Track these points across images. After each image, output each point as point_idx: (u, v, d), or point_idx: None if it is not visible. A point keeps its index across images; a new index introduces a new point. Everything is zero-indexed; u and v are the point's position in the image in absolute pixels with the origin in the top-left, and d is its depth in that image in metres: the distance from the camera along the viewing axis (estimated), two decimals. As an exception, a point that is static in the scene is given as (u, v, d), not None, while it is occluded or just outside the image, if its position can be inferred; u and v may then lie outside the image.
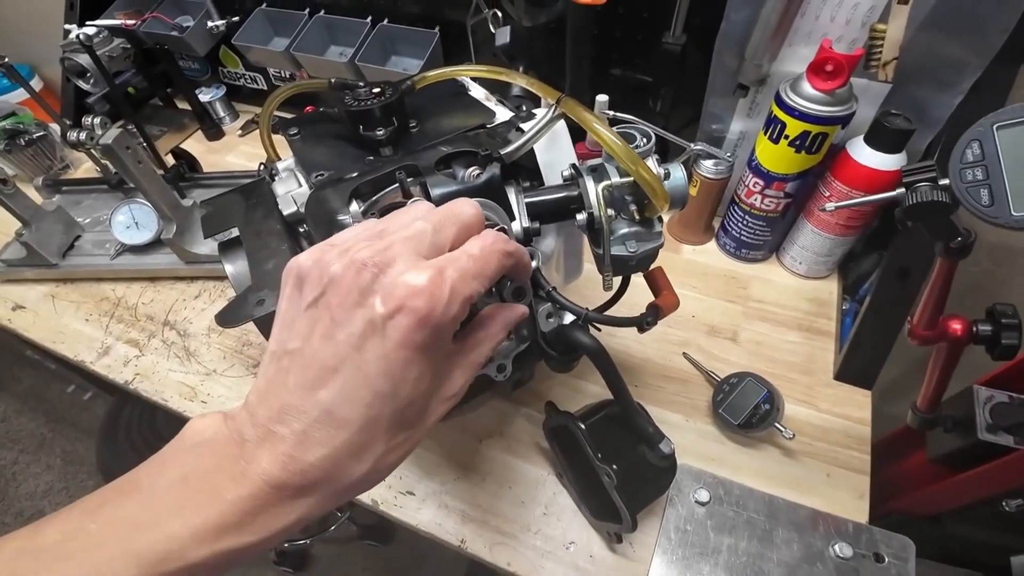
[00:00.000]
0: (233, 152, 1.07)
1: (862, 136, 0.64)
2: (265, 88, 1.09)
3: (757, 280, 0.79)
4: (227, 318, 0.43)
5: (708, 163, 0.75)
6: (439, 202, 0.39)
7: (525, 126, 0.48)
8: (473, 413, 0.68)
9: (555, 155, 0.49)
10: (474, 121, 0.52)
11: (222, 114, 1.09)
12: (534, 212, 0.44)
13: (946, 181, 0.32)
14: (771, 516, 0.59)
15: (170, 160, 0.92)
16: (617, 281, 0.52)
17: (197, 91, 1.05)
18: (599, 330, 0.52)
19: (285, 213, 0.49)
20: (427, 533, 0.60)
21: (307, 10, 0.90)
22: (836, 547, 0.56)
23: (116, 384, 0.73)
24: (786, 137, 0.64)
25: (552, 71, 0.73)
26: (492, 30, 0.68)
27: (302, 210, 0.48)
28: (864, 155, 0.64)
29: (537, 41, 0.70)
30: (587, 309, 0.44)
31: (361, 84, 0.53)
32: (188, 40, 0.94)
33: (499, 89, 0.62)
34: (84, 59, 0.91)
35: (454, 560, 0.57)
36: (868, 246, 0.75)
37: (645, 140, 0.42)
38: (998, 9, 0.52)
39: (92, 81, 0.94)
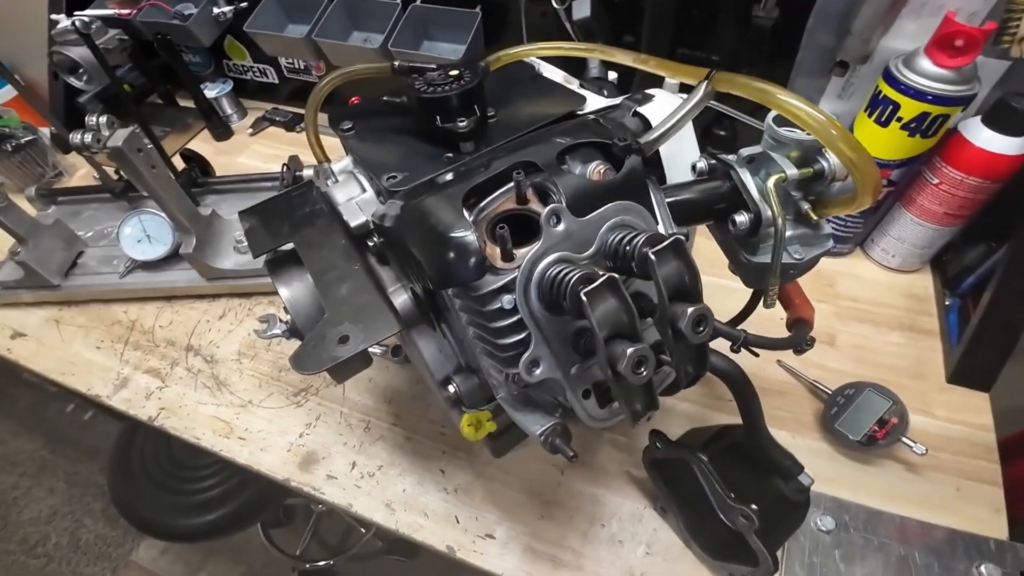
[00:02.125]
0: (245, 153, 0.97)
1: (978, 117, 0.58)
2: (275, 81, 1.00)
3: (845, 276, 0.73)
4: (306, 363, 0.35)
5: None
6: (575, 204, 0.31)
7: (648, 110, 0.40)
8: (550, 439, 0.61)
9: (680, 145, 0.41)
10: (562, 108, 0.44)
11: (229, 111, 0.99)
12: (677, 215, 0.36)
13: None
14: (904, 540, 0.52)
15: (179, 163, 0.83)
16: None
17: (202, 86, 0.94)
18: (757, 354, 0.45)
19: (353, 224, 0.41)
20: (516, 584, 0.52)
21: (327, -9, 0.81)
22: (981, 568, 0.50)
23: (140, 420, 0.64)
24: (899, 120, 0.57)
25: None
26: (556, 4, 0.60)
27: (376, 221, 0.40)
28: (983, 138, 0.57)
29: (623, 20, 0.62)
30: (745, 332, 0.37)
31: (433, 67, 0.45)
32: (192, 29, 0.84)
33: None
34: (76, 53, 0.81)
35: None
36: (967, 236, 0.68)
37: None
38: None
39: (85, 78, 0.84)
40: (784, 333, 0.52)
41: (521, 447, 0.60)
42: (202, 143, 0.98)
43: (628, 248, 0.30)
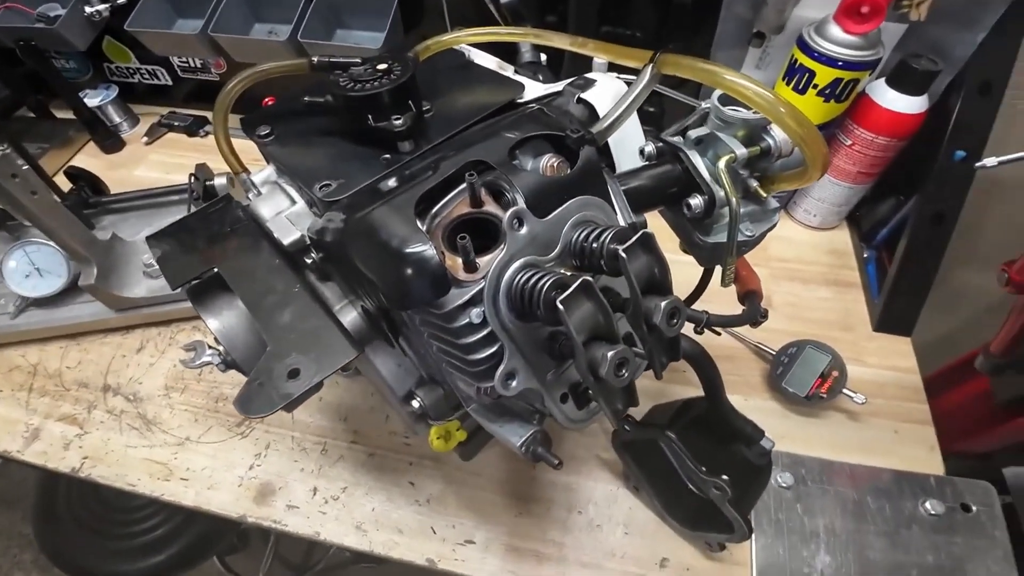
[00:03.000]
0: (142, 164, 0.87)
1: (883, 80, 0.61)
2: (169, 83, 0.90)
3: (773, 238, 0.74)
4: (254, 405, 0.31)
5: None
6: (534, 203, 0.30)
7: (591, 95, 0.39)
8: (516, 434, 0.60)
9: (624, 130, 0.40)
10: (501, 97, 0.42)
11: (118, 119, 0.89)
12: (631, 203, 0.35)
13: None
14: (856, 486, 0.56)
15: (65, 184, 0.73)
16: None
17: (81, 94, 0.83)
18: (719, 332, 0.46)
19: (286, 242, 0.37)
20: (502, 585, 0.52)
21: (219, -20, 0.73)
22: (926, 505, 0.54)
23: (61, 473, 0.57)
24: (815, 86, 0.60)
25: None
26: None
27: (313, 236, 0.36)
28: (888, 99, 0.61)
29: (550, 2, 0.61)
30: (707, 313, 0.37)
31: (357, 60, 0.41)
32: (61, 32, 0.73)
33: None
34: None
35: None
36: (877, 191, 0.73)
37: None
38: None
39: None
40: (732, 305, 0.54)
41: (489, 447, 0.59)
42: (90, 157, 0.87)
43: (595, 246, 0.29)
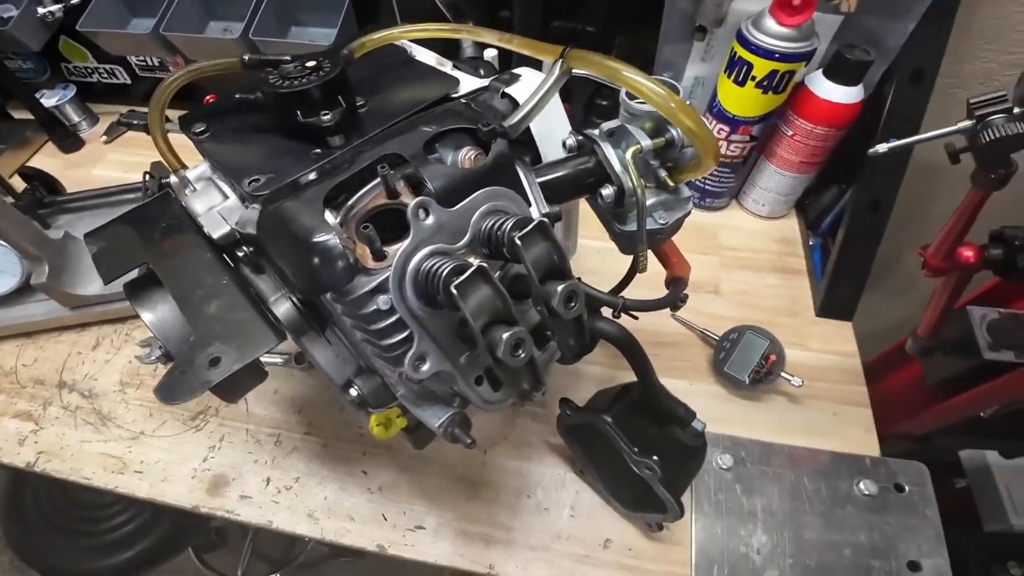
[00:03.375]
0: (100, 163, 0.87)
1: (820, 71, 0.63)
2: (127, 82, 0.90)
3: (724, 228, 0.78)
4: (173, 392, 0.33)
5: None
6: (444, 197, 0.31)
7: (515, 90, 0.40)
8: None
9: (548, 123, 0.42)
10: (435, 92, 0.43)
11: (76, 119, 0.89)
12: (550, 193, 0.37)
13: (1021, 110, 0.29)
14: (794, 467, 0.58)
15: (19, 184, 0.73)
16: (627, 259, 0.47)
17: (38, 95, 0.83)
18: (636, 317, 0.47)
19: (215, 236, 0.38)
20: (449, 567, 0.53)
21: (171, -22, 0.74)
22: (860, 485, 0.56)
23: (16, 468, 0.57)
24: (753, 78, 0.61)
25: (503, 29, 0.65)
26: None
27: (242, 230, 0.37)
28: (825, 89, 0.62)
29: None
30: (623, 299, 0.39)
31: (287, 58, 0.42)
32: (14, 33, 0.73)
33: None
34: None
35: (438, 567, 0.51)
36: (821, 180, 0.75)
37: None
38: None
39: None
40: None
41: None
42: (48, 157, 0.87)
43: (500, 234, 0.30)
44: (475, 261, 0.29)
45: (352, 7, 0.72)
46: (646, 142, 0.35)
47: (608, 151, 0.36)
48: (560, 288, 0.29)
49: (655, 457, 0.47)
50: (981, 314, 0.54)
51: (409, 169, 0.33)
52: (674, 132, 0.35)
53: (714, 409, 0.63)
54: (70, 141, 0.86)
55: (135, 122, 0.86)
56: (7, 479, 0.98)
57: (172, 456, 0.58)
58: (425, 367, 0.31)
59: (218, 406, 0.62)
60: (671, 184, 0.37)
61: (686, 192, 0.39)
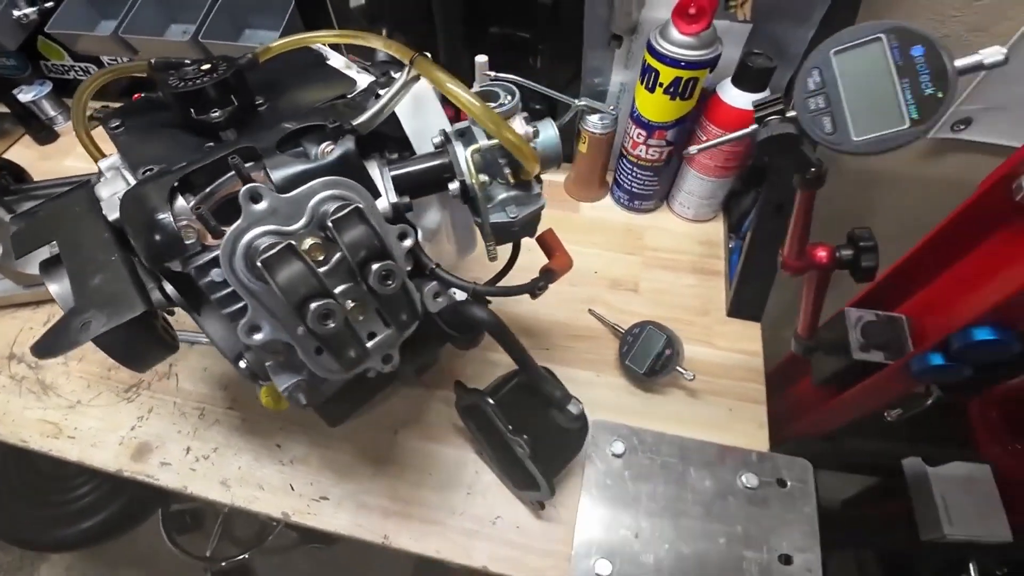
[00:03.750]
0: (72, 155, 0.93)
1: (730, 78, 0.66)
2: (103, 78, 0.95)
3: (652, 229, 0.81)
4: (45, 347, 0.37)
5: (593, 118, 0.74)
6: (283, 187, 0.35)
7: (385, 92, 0.44)
8: (384, 405, 0.65)
9: (423, 122, 0.45)
10: (332, 92, 0.47)
11: (52, 113, 0.95)
12: (403, 185, 0.41)
13: (794, 113, 0.32)
14: (683, 458, 0.61)
15: (-9, 172, 0.79)
16: (507, 249, 0.51)
17: (16, 91, 0.90)
18: (489, 302, 0.50)
19: (111, 218, 0.43)
20: (348, 536, 0.57)
21: (133, -18, 0.79)
22: (743, 477, 0.59)
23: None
24: (660, 85, 0.64)
25: (427, 33, 0.69)
26: (360, 1, 0.62)
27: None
28: (732, 96, 0.65)
29: (409, 3, 0.66)
30: (475, 283, 0.42)
31: (187, 61, 0.47)
32: (-9, 33, 0.79)
33: (370, 57, 0.57)
34: None
35: (404, 556, 0.54)
36: (746, 185, 0.78)
37: (510, 97, 0.40)
38: None
39: None
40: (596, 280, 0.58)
41: (357, 417, 0.64)
42: (25, 148, 0.94)
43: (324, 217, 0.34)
44: (309, 242, 0.34)
45: (297, 11, 0.76)
46: (483, 141, 0.38)
47: (457, 149, 0.40)
48: (375, 267, 0.33)
49: (525, 436, 0.51)
50: (858, 316, 0.56)
51: (265, 160, 0.37)
52: (505, 134, 0.39)
53: (615, 400, 0.66)
54: (44, 134, 0.93)
55: (102, 116, 0.91)
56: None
57: (103, 424, 0.63)
58: (259, 336, 0.35)
59: (151, 380, 0.67)
60: (511, 181, 0.40)
61: (537, 189, 0.43)
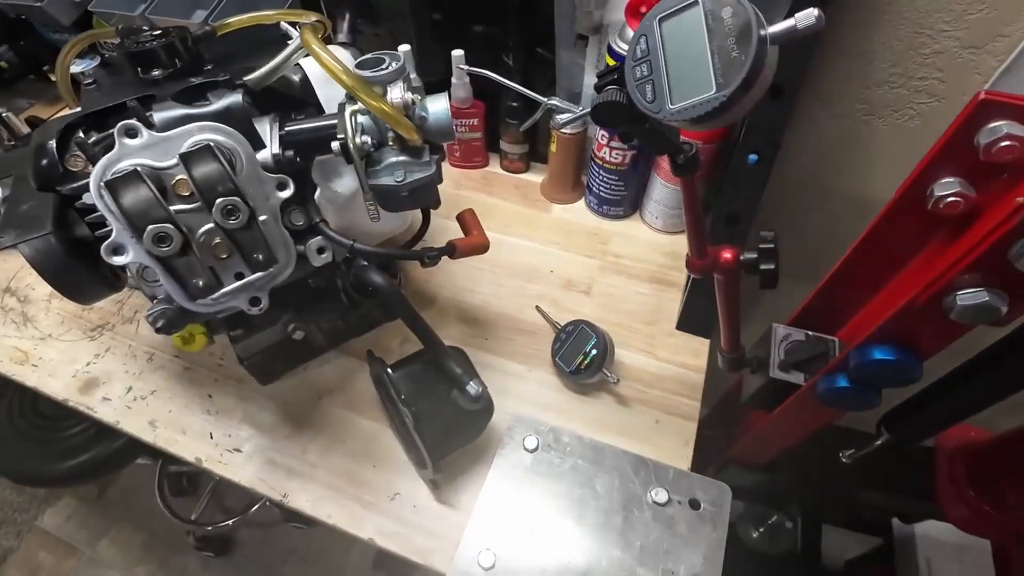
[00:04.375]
0: (108, 121, 1.03)
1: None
2: (144, 56, 1.06)
3: (619, 236, 0.80)
4: (-38, 254, 0.41)
5: (563, 118, 0.74)
6: (163, 127, 0.38)
7: (307, 62, 0.47)
8: (317, 371, 0.67)
9: (335, 90, 0.48)
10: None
11: (98, 83, 1.05)
12: (291, 142, 0.43)
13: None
14: (596, 462, 0.59)
15: (25, 130, 0.89)
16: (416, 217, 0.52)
17: (82, 75, 1.00)
18: (395, 277, 0.51)
19: None
20: (249, 488, 0.59)
21: (168, -31, 0.87)
22: (653, 492, 0.56)
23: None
24: (617, 85, 0.64)
25: (399, 23, 0.72)
26: None
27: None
28: (695, 102, 0.64)
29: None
30: (353, 242, 0.43)
31: (147, 29, 0.51)
32: (47, 10, 0.90)
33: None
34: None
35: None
36: (710, 197, 0.75)
37: (395, 63, 0.41)
38: None
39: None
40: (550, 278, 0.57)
41: (290, 377, 0.66)
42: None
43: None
44: (177, 177, 0.36)
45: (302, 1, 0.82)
46: (359, 105, 0.40)
47: (346, 113, 0.42)
48: (219, 201, 0.35)
49: (414, 408, 0.51)
50: (785, 333, 0.53)
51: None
52: (384, 99, 0.40)
53: (544, 396, 0.65)
54: (86, 101, 1.03)
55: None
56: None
57: (64, 357, 0.68)
58: (122, 257, 0.37)
59: (116, 323, 0.72)
60: (389, 143, 0.42)
61: (426, 157, 0.44)
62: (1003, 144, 0.32)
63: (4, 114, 0.90)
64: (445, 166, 0.90)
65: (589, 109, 0.33)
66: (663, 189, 0.73)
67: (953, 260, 0.31)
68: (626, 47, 0.61)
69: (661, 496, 0.56)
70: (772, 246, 0.42)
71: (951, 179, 0.37)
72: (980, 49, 0.62)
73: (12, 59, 1.04)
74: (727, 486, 0.57)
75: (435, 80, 0.80)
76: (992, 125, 0.33)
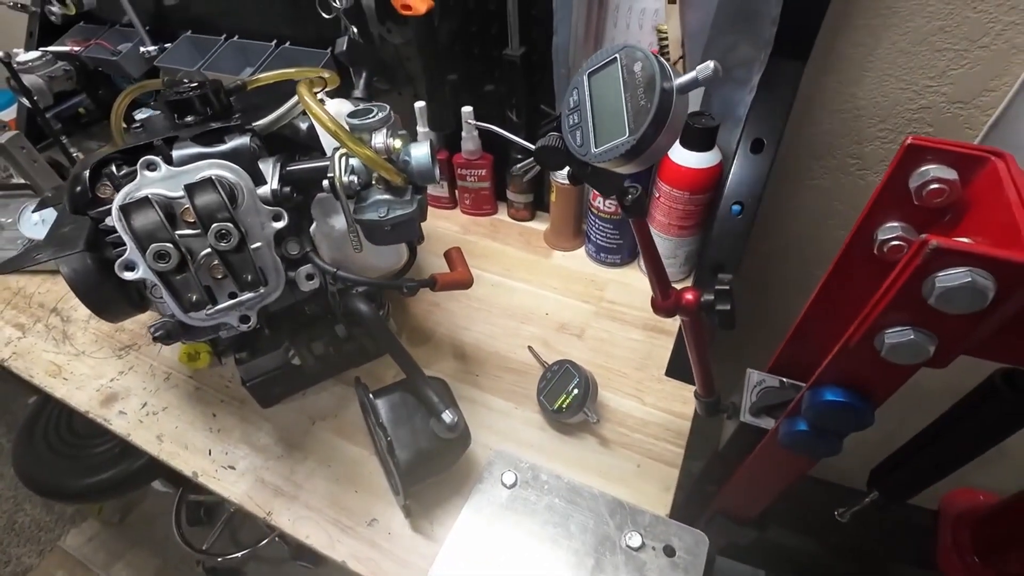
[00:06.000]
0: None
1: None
2: (202, 110, 1.19)
3: (615, 283, 0.82)
4: (4, 265, 0.48)
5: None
6: (179, 163, 0.44)
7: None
8: (315, 396, 0.71)
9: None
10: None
11: (159, 132, 1.19)
12: (289, 179, 0.48)
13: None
14: (572, 502, 0.59)
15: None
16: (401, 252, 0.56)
17: (135, 112, 1.14)
18: (382, 308, 0.55)
19: None
20: (237, 504, 0.61)
21: (223, 36, 0.99)
22: (628, 536, 0.55)
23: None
24: (608, 138, 0.68)
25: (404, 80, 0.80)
26: (342, 48, 0.75)
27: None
28: (680, 156, 0.67)
29: (402, 56, 0.77)
30: (337, 269, 0.48)
31: (187, 80, 0.59)
32: (122, 64, 1.03)
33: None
34: (28, 80, 1.02)
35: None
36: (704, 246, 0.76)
37: (381, 114, 0.47)
38: (765, 2, 0.56)
39: (37, 100, 1.04)
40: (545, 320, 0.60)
41: (289, 401, 0.70)
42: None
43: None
44: (185, 206, 0.42)
45: (334, 62, 0.91)
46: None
47: (336, 155, 0.47)
48: (213, 225, 0.40)
49: (390, 431, 0.53)
50: (759, 379, 0.53)
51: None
52: (370, 145, 0.45)
53: (527, 434, 0.66)
54: (147, 147, 1.16)
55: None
56: (33, 407, 1.22)
57: (92, 372, 0.74)
58: (132, 274, 0.43)
59: (142, 344, 0.78)
60: (375, 184, 0.46)
61: (408, 196, 0.48)
62: (932, 187, 0.34)
63: (76, 154, 1.02)
64: (456, 213, 0.96)
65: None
66: (658, 240, 0.75)
67: (877, 299, 0.32)
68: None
69: (635, 540, 0.55)
70: (728, 288, 0.44)
71: (894, 223, 0.38)
72: (967, 104, 0.63)
73: (89, 106, 1.19)
74: (703, 534, 0.55)
75: (447, 133, 0.87)
76: (921, 169, 0.34)
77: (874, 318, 0.33)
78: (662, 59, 0.30)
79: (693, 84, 0.29)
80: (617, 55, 0.31)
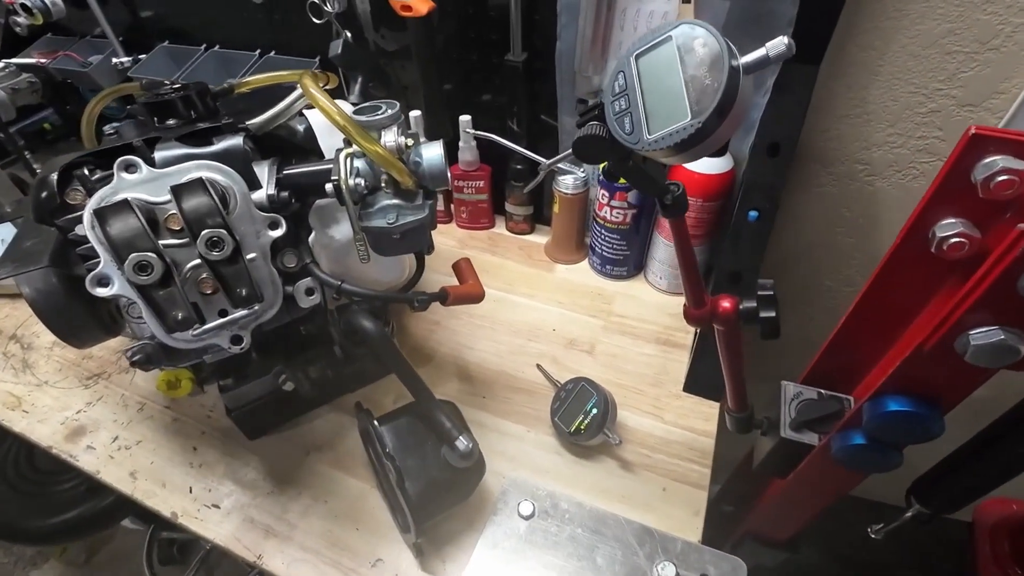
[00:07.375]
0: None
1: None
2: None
3: (622, 296, 0.78)
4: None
5: (566, 179, 0.75)
6: (163, 165, 0.39)
7: (311, 114, 0.49)
8: (307, 426, 0.65)
9: (336, 140, 0.49)
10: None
11: (132, 147, 1.12)
12: (287, 184, 0.44)
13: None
14: (597, 532, 0.54)
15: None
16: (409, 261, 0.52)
17: (106, 127, 1.08)
18: (387, 326, 0.50)
19: None
20: (223, 547, 0.55)
21: (203, 46, 0.95)
22: (660, 567, 0.51)
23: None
24: (617, 144, 0.65)
25: (407, 92, 0.77)
26: (336, 51, 0.71)
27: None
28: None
29: (396, 65, 0.74)
30: (342, 282, 0.43)
31: (167, 82, 0.55)
32: (92, 75, 0.97)
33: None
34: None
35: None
36: (714, 257, 0.74)
37: (390, 111, 0.43)
38: (780, 2, 0.54)
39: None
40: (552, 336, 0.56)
41: (279, 431, 0.64)
42: (101, 173, 1.11)
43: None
44: (170, 212, 0.37)
45: (323, 68, 0.87)
46: (354, 147, 0.41)
47: (340, 157, 0.43)
48: (204, 232, 0.35)
49: (399, 462, 0.48)
50: (796, 391, 0.49)
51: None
52: (381, 143, 0.41)
53: (542, 459, 0.61)
54: (118, 163, 1.09)
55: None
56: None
57: (56, 404, 0.67)
58: (107, 290, 0.37)
59: (113, 372, 0.71)
60: (382, 187, 0.42)
61: (420, 201, 0.44)
62: (1001, 179, 0.31)
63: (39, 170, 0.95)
64: (452, 227, 0.92)
65: (570, 148, 0.33)
66: (666, 249, 0.72)
67: (961, 298, 0.29)
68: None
69: (668, 571, 0.51)
70: (771, 293, 0.40)
71: (953, 219, 0.36)
72: (977, 107, 0.62)
73: (56, 121, 1.12)
74: (742, 561, 0.51)
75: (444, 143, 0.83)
76: (987, 160, 0.32)
77: (957, 318, 0.30)
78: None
79: (764, 62, 0.26)
80: (672, 33, 0.28)
